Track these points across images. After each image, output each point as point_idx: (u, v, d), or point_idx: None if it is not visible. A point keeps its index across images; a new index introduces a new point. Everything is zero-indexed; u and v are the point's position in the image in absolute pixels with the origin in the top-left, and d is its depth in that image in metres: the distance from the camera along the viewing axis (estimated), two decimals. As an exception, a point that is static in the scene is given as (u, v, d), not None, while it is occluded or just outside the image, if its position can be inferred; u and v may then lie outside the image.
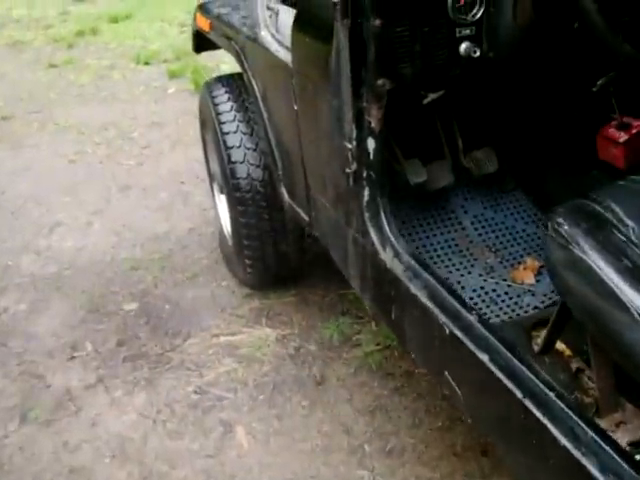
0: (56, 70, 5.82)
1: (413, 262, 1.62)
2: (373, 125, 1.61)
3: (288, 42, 2.06)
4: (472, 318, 1.44)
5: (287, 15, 2.39)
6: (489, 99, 2.02)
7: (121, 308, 2.86)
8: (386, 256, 1.68)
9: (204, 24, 2.83)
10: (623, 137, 1.89)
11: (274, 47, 2.17)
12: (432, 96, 1.70)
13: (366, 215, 1.71)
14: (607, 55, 1.60)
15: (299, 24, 1.92)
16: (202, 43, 3.02)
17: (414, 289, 1.58)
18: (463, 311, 1.47)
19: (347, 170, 1.69)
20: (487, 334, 1.41)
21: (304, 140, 2.02)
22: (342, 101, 1.65)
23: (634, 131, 1.89)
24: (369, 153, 1.65)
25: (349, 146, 1.67)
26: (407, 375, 2.39)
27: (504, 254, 1.98)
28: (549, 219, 1.30)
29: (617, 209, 1.24)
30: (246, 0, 2.85)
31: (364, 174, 1.68)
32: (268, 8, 2.59)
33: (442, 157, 2.03)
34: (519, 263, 1.95)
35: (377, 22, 1.51)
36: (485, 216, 2.07)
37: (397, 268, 1.64)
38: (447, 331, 1.46)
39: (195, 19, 2.97)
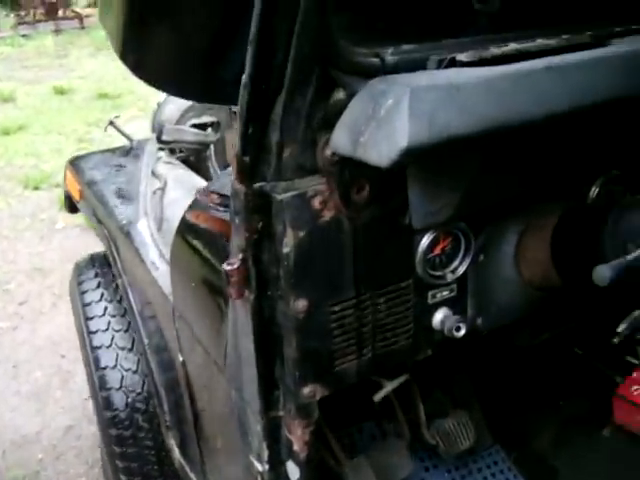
0: None
1: None
2: (296, 448, 0.99)
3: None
4: None
5: (178, 193, 1.79)
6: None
7: None
8: None
9: (73, 189, 2.19)
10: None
11: (151, 257, 1.53)
12: (388, 387, 1.09)
13: None
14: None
15: (179, 251, 1.25)
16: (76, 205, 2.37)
17: None
18: None
19: None
20: None
21: (197, 406, 1.38)
22: (244, 401, 1.04)
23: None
24: None
25: (258, 467, 1.04)
26: None
27: None
28: None
29: None
30: (130, 155, 2.26)
31: None
32: (154, 174, 1.99)
33: (394, 427, 1.42)
34: None
35: (301, 304, 0.90)
36: (453, 492, 1.47)
37: None
38: None
39: (65, 178, 2.34)
